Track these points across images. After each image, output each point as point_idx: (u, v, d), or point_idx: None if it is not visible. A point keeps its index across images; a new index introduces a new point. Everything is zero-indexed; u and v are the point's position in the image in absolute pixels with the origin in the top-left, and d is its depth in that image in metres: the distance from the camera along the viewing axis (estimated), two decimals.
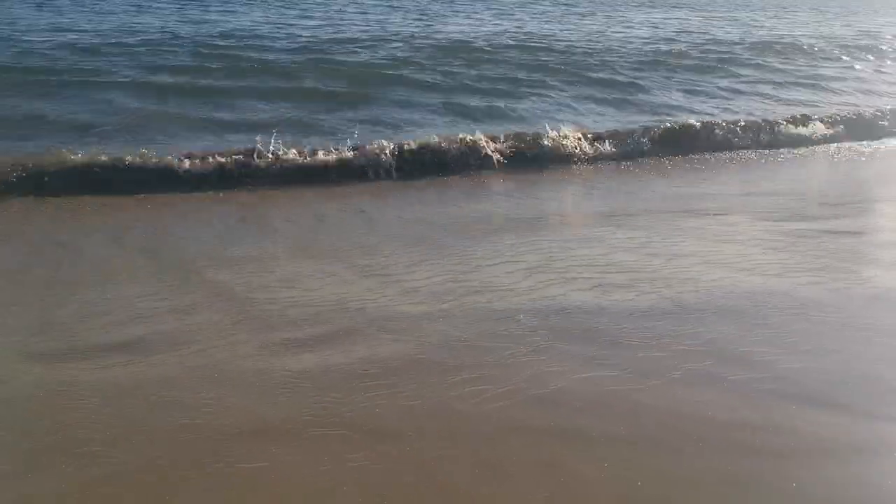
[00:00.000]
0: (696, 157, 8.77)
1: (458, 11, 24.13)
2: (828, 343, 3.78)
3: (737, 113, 10.66)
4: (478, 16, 23.04)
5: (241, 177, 6.76)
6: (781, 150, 9.42)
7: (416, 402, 3.11)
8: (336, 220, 5.88)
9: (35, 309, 3.94)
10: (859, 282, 4.61)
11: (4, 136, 7.30)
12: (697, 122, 9.53)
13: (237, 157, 6.95)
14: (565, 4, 29.81)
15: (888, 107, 11.34)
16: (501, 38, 16.89)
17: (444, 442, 2.84)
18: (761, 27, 24.08)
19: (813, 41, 19.69)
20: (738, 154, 9.05)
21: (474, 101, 10.27)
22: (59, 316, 3.84)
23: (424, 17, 21.24)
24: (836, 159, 9.06)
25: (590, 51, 15.36)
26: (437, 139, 7.80)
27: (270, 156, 7.03)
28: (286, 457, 2.73)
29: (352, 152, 7.33)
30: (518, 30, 19.12)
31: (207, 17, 18.25)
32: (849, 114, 10.81)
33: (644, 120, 9.85)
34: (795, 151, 9.39)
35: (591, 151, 8.37)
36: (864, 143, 9.99)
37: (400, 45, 14.75)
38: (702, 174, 8.05)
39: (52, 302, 4.02)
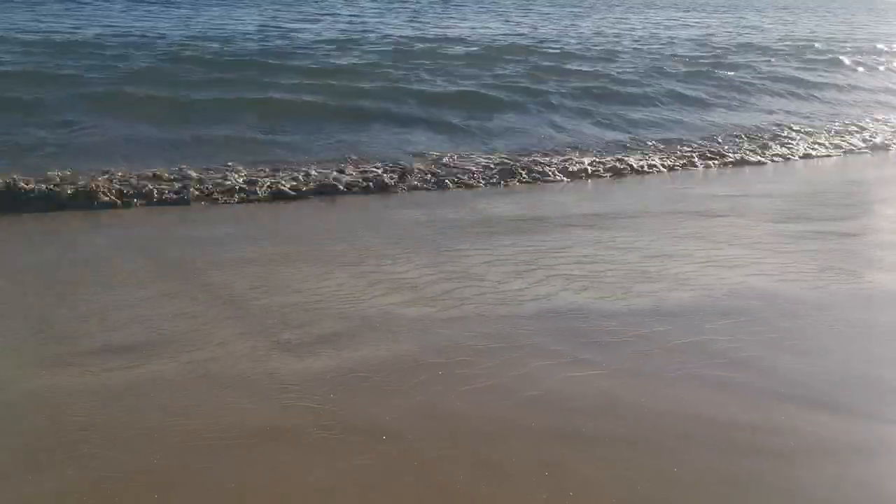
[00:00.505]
0: None
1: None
2: (828, 344, 3.78)
3: None
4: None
5: None
6: None
7: (415, 402, 3.11)
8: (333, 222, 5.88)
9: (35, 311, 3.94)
10: (859, 283, 4.62)
11: None
12: None
13: None
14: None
15: None
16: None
17: (443, 442, 2.84)
18: None
19: None
20: None
21: None
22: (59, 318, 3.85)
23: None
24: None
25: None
26: None
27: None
28: (285, 458, 2.73)
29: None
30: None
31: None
32: None
33: None
34: None
35: None
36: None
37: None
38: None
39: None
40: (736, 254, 5.08)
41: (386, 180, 6.97)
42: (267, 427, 2.91)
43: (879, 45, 20.69)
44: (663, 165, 8.26)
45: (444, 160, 7.90)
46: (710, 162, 8.58)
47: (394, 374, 3.34)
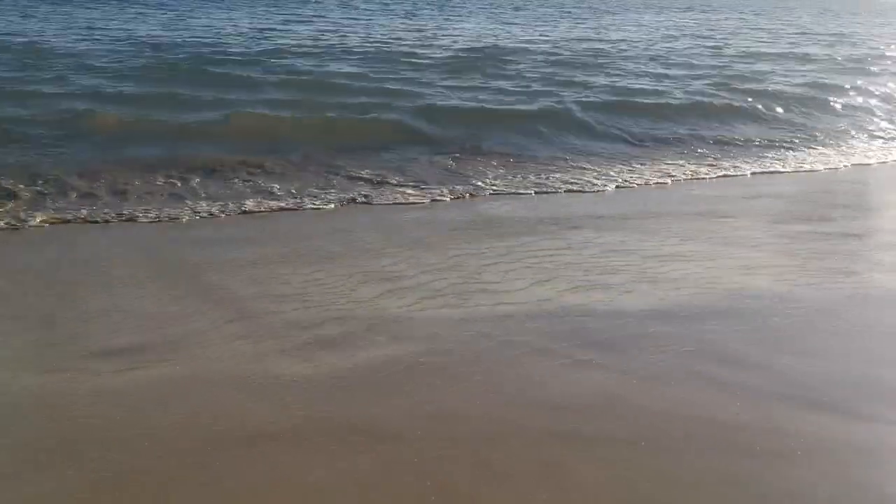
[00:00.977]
0: None
1: None
2: (829, 344, 3.78)
3: None
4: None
5: None
6: None
7: (415, 403, 3.11)
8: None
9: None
10: (860, 283, 4.62)
11: None
12: None
13: None
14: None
15: None
16: None
17: (443, 442, 2.84)
18: None
19: None
20: None
21: None
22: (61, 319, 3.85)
23: None
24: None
25: None
26: None
27: None
28: (286, 458, 2.73)
29: None
30: None
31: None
32: None
33: None
34: None
35: None
36: None
37: None
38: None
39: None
40: (737, 254, 5.08)
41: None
42: (267, 428, 2.91)
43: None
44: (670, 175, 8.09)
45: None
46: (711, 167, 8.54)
47: (394, 374, 3.34)
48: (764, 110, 11.52)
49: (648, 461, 2.76)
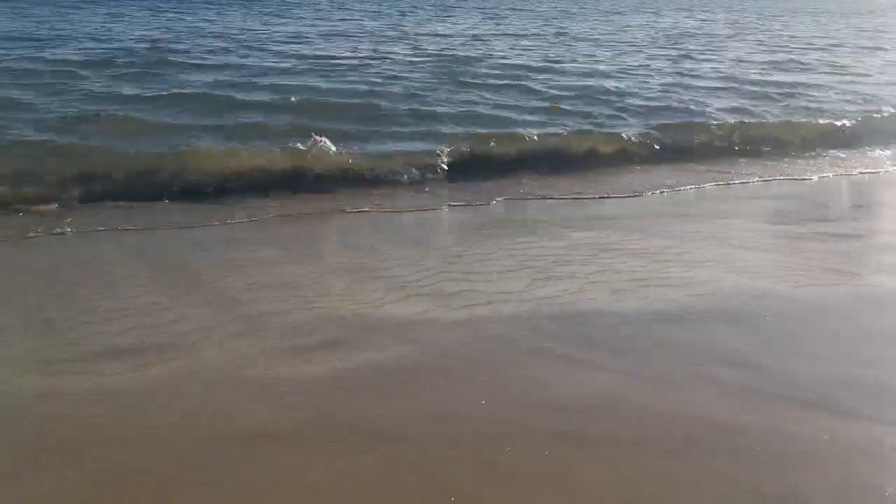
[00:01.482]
0: None
1: None
2: (829, 345, 3.78)
3: None
4: None
5: None
6: None
7: (418, 404, 3.10)
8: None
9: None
10: (861, 284, 4.61)
11: None
12: None
13: None
14: None
15: None
16: None
17: (446, 443, 2.83)
18: None
19: None
20: None
21: None
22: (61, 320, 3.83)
23: None
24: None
25: None
26: None
27: None
28: (287, 459, 2.72)
29: None
30: None
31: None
32: None
33: None
34: None
35: None
36: None
37: None
38: None
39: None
40: (738, 255, 5.07)
41: None
42: (268, 429, 2.89)
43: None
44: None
45: None
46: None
47: (396, 375, 3.32)
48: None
49: (652, 462, 2.75)
